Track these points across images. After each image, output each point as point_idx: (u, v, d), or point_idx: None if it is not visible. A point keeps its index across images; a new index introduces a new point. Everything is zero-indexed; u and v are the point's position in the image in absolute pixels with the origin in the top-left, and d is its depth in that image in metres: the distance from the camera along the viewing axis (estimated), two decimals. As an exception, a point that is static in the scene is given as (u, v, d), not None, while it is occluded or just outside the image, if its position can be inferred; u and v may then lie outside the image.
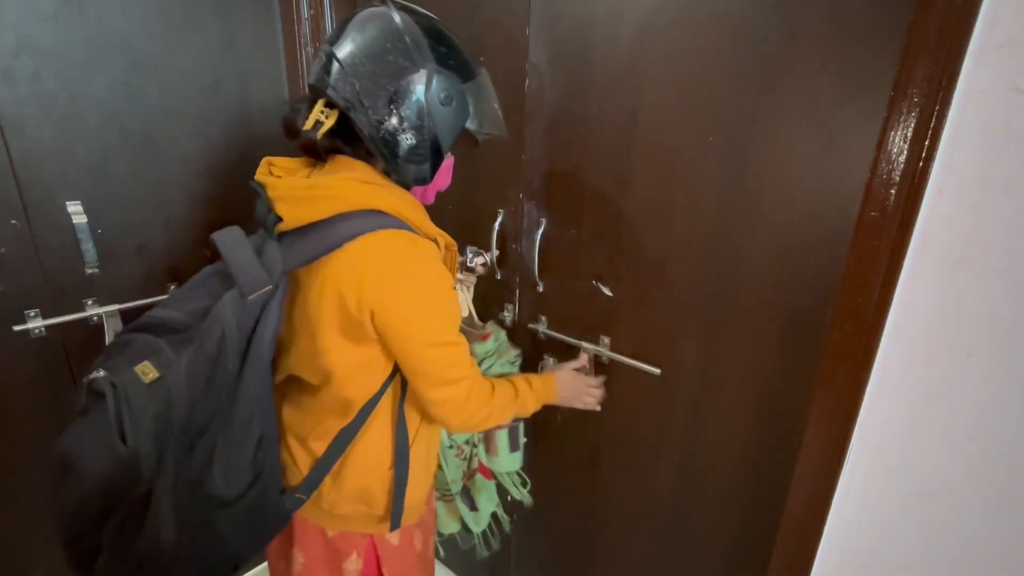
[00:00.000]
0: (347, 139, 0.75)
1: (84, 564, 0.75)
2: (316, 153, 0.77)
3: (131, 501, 0.72)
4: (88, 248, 1.12)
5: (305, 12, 1.28)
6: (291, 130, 0.76)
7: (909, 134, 0.62)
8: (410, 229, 0.75)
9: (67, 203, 1.09)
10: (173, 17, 1.15)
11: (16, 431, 1.14)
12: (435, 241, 0.79)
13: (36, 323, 1.10)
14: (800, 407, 0.84)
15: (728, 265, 0.88)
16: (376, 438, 0.83)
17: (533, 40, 1.02)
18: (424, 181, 0.77)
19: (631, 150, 0.94)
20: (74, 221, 1.10)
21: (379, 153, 0.73)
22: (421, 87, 0.70)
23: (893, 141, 0.63)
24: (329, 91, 0.70)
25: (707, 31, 0.81)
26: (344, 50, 0.70)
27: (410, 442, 0.85)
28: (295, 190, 0.73)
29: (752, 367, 0.90)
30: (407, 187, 0.79)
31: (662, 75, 0.88)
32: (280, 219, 0.72)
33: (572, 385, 1.02)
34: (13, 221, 1.04)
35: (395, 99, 0.69)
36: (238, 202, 1.33)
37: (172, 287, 1.27)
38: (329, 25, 1.31)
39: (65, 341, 1.15)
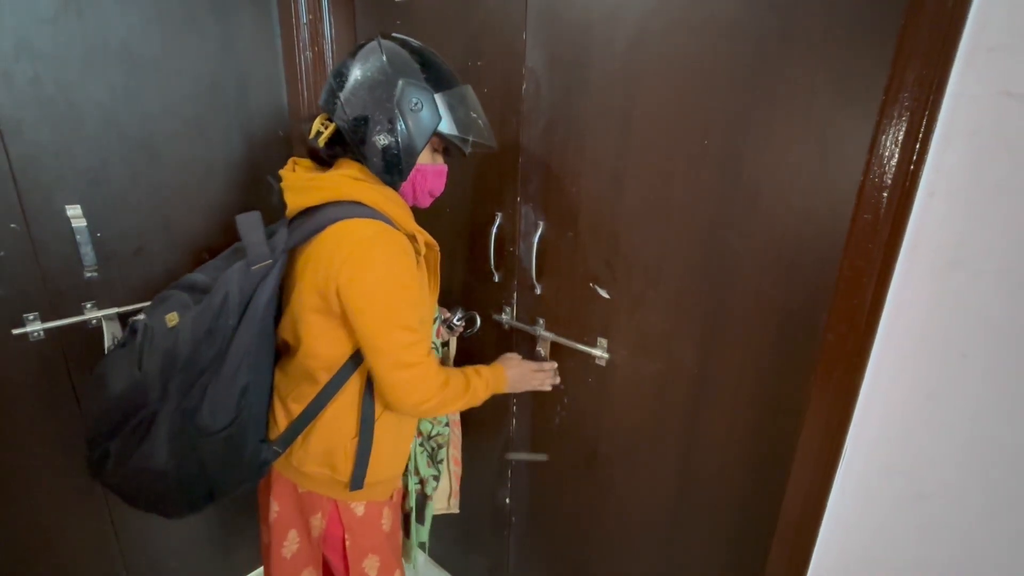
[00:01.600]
0: (343, 146, 0.89)
1: (96, 465, 0.92)
2: (320, 159, 0.92)
3: (139, 419, 0.88)
4: (87, 251, 1.13)
5: (304, 17, 1.29)
6: (303, 140, 0.91)
7: (900, 137, 0.63)
8: (387, 221, 0.85)
9: (66, 206, 1.10)
10: (172, 21, 1.16)
11: (15, 434, 1.14)
12: (413, 238, 0.89)
13: (35, 326, 1.10)
14: (796, 408, 0.84)
15: (724, 267, 0.89)
16: (344, 409, 0.93)
17: (530, 44, 1.03)
18: (402, 177, 0.88)
19: (627, 152, 0.95)
20: (73, 224, 1.10)
21: (360, 155, 0.85)
22: (394, 96, 0.82)
23: (885, 144, 0.64)
24: (326, 107, 0.86)
25: (702, 34, 0.82)
26: (338, 73, 0.86)
27: (375, 417, 0.94)
28: (299, 182, 0.88)
29: (749, 368, 0.90)
30: (394, 186, 0.90)
31: (658, 78, 0.88)
32: (287, 206, 0.87)
33: (519, 372, 1.09)
34: (12, 224, 1.05)
35: (369, 106, 0.82)
36: (235, 204, 1.34)
37: (171, 290, 1.28)
38: (328, 29, 1.32)
39: (64, 344, 1.16)
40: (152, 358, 0.85)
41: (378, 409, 0.95)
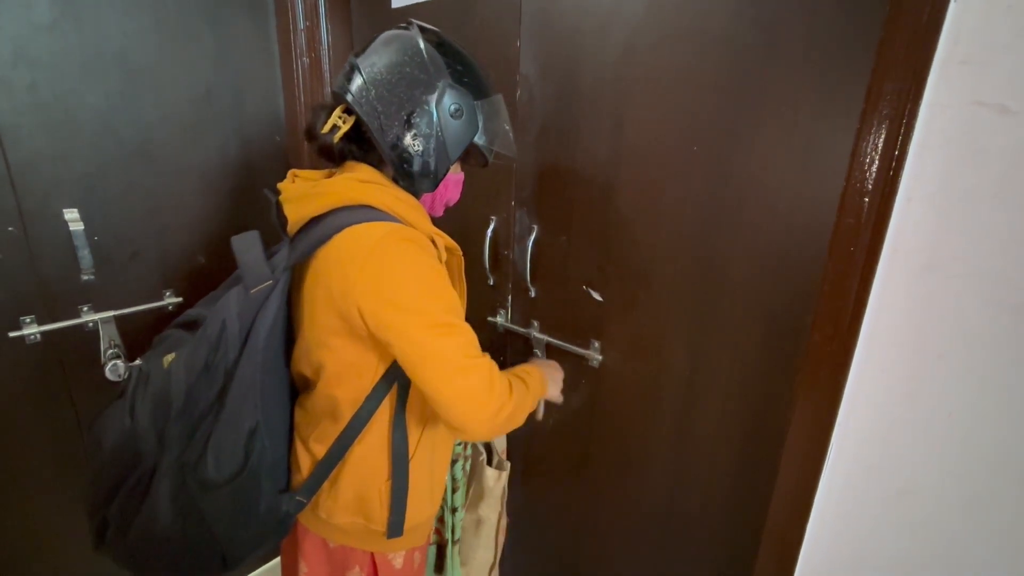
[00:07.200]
0: (360, 144, 0.79)
1: (97, 536, 0.83)
2: (331, 156, 0.81)
3: (137, 477, 0.78)
4: (84, 255, 1.13)
5: (301, 23, 1.30)
6: (311, 134, 0.80)
7: (880, 145, 0.65)
8: (401, 224, 0.76)
9: (64, 210, 1.10)
10: (169, 28, 1.17)
11: (11, 437, 1.14)
12: (432, 241, 0.79)
13: (31, 329, 1.11)
14: (783, 408, 0.86)
15: (713, 270, 0.91)
16: (373, 447, 0.82)
17: (524, 53, 1.05)
18: (430, 187, 0.80)
19: (619, 159, 0.97)
20: (71, 228, 1.11)
21: (388, 157, 0.76)
22: (433, 98, 0.74)
23: (865, 152, 0.66)
24: (348, 97, 0.74)
25: (690, 48, 0.84)
26: (366, 60, 0.74)
27: (410, 454, 0.84)
28: (300, 191, 0.77)
29: (737, 370, 0.92)
30: (416, 194, 0.82)
31: (648, 87, 0.91)
32: (286, 222, 0.77)
33: (554, 380, 1.00)
34: (10, 228, 1.05)
35: (407, 106, 0.73)
36: (231, 209, 1.35)
37: (167, 293, 1.28)
38: (324, 35, 1.33)
39: (60, 347, 1.16)
40: (143, 404, 0.76)
41: (411, 442, 0.84)
